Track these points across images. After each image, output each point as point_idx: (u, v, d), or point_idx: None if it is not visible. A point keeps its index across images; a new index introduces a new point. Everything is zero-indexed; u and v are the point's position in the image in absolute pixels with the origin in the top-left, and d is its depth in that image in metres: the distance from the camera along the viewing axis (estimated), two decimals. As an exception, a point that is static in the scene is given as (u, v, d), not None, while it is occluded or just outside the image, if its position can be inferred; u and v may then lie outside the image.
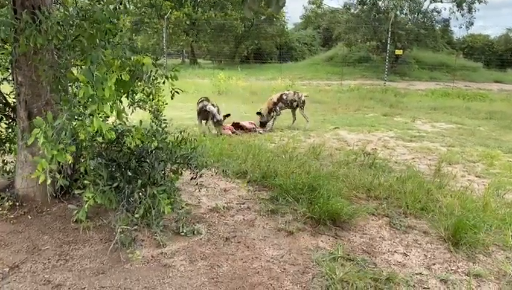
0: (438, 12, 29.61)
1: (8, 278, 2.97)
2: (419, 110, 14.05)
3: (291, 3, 64.49)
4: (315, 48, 40.53)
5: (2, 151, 4.60)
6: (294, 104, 9.95)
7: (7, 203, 3.90)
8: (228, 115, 8.89)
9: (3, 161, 4.59)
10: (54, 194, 4.07)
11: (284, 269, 3.30)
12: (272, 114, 9.70)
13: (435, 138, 9.27)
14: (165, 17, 28.10)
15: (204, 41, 33.94)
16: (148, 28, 31.84)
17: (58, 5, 4.30)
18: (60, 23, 3.72)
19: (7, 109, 4.44)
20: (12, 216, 3.81)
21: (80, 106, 3.20)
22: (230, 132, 9.13)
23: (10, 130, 4.55)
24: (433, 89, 20.86)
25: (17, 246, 3.41)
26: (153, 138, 3.99)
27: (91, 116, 3.00)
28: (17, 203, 3.96)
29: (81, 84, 2.95)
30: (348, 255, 3.54)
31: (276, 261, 3.41)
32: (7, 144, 4.57)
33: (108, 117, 3.59)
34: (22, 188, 4.05)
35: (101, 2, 3.83)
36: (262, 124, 9.69)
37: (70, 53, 3.81)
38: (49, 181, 2.92)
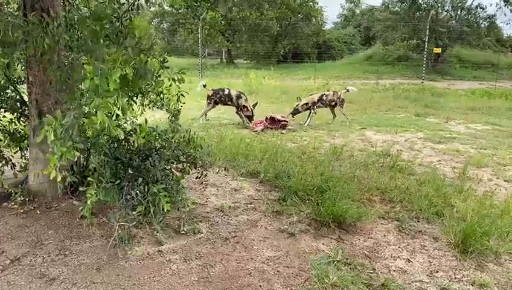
0: (483, 8, 28.43)
1: (7, 271, 3.08)
2: (456, 111, 13.49)
3: (331, 3, 63.75)
4: (354, 47, 39.88)
5: (22, 148, 4.79)
6: (333, 103, 10.53)
7: (19, 199, 4.06)
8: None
9: (23, 156, 4.79)
10: (65, 191, 4.19)
11: (278, 271, 3.25)
12: (310, 112, 10.25)
13: (467, 140, 8.84)
14: (201, 17, 28.45)
15: (240, 42, 34.07)
16: (182, 30, 32.38)
17: (71, 7, 4.43)
18: (69, 23, 3.86)
19: (24, 108, 4.61)
20: (22, 211, 3.97)
21: (86, 104, 3.28)
22: (262, 127, 9.27)
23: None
24: (474, 89, 19.97)
25: (22, 239, 3.53)
26: (157, 137, 4.05)
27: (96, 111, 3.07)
28: (29, 199, 4.11)
29: (88, 74, 3.02)
30: (347, 259, 3.43)
31: (271, 263, 3.36)
32: (26, 141, 4.76)
33: (118, 116, 3.66)
34: (34, 184, 4.20)
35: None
36: (294, 113, 10.25)
37: (77, 53, 3.90)
38: (59, 178, 3.02)
